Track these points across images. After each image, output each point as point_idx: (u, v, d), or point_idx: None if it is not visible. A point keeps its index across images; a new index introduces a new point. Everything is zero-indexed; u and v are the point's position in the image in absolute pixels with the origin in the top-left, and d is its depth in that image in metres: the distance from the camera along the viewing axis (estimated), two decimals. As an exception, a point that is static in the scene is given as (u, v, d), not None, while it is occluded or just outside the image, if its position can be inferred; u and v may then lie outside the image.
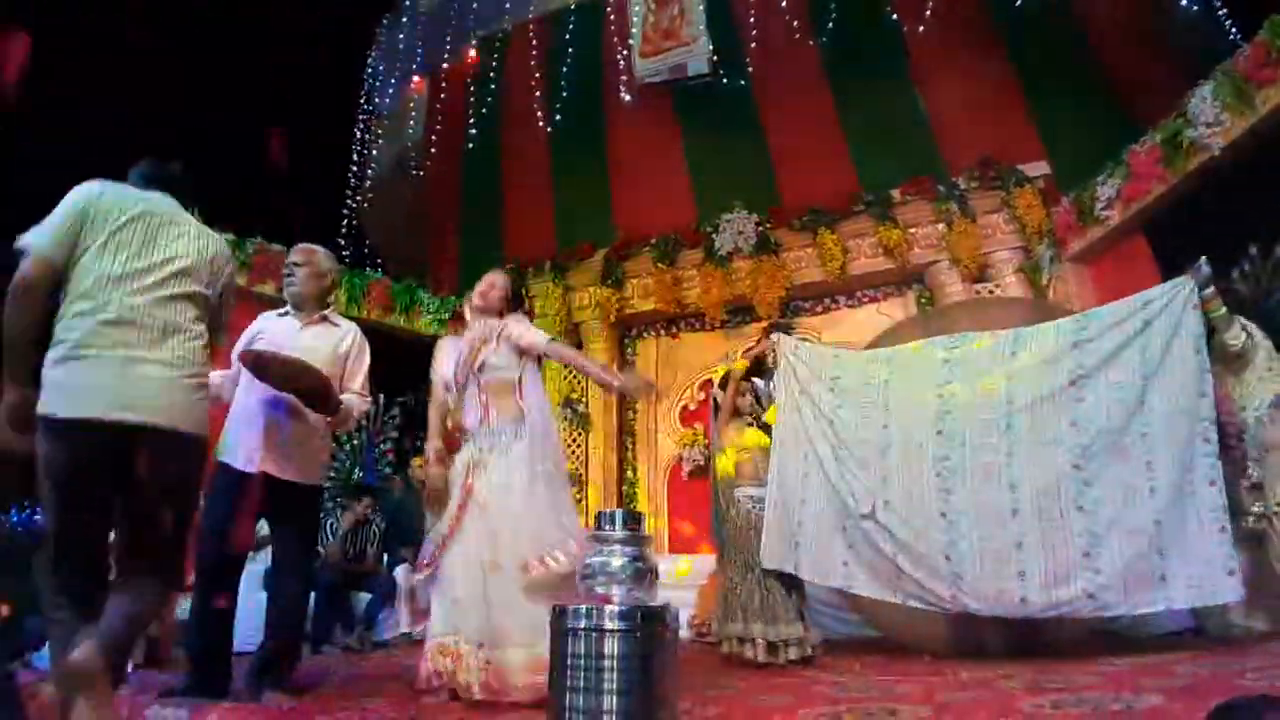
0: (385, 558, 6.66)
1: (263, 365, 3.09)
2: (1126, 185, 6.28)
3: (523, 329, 3.48)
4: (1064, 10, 8.35)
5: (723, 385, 5.16)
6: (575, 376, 8.67)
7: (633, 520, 1.63)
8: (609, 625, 1.50)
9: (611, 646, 1.49)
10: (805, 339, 6.30)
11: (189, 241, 2.58)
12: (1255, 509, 3.70)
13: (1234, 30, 9.20)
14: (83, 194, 2.46)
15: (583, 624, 1.51)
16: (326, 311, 3.56)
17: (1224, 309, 3.83)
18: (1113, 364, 3.85)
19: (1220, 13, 9.82)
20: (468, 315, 3.66)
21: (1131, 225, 6.43)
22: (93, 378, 2.24)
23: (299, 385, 3.15)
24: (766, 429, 4.98)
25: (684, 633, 5.99)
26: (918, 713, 2.60)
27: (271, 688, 3.12)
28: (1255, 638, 3.83)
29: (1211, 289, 3.79)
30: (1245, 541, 4.01)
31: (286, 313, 3.55)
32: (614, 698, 1.46)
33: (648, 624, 1.53)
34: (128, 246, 2.43)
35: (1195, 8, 9.39)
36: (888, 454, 4.26)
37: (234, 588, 3.27)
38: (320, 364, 3.27)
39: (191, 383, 2.45)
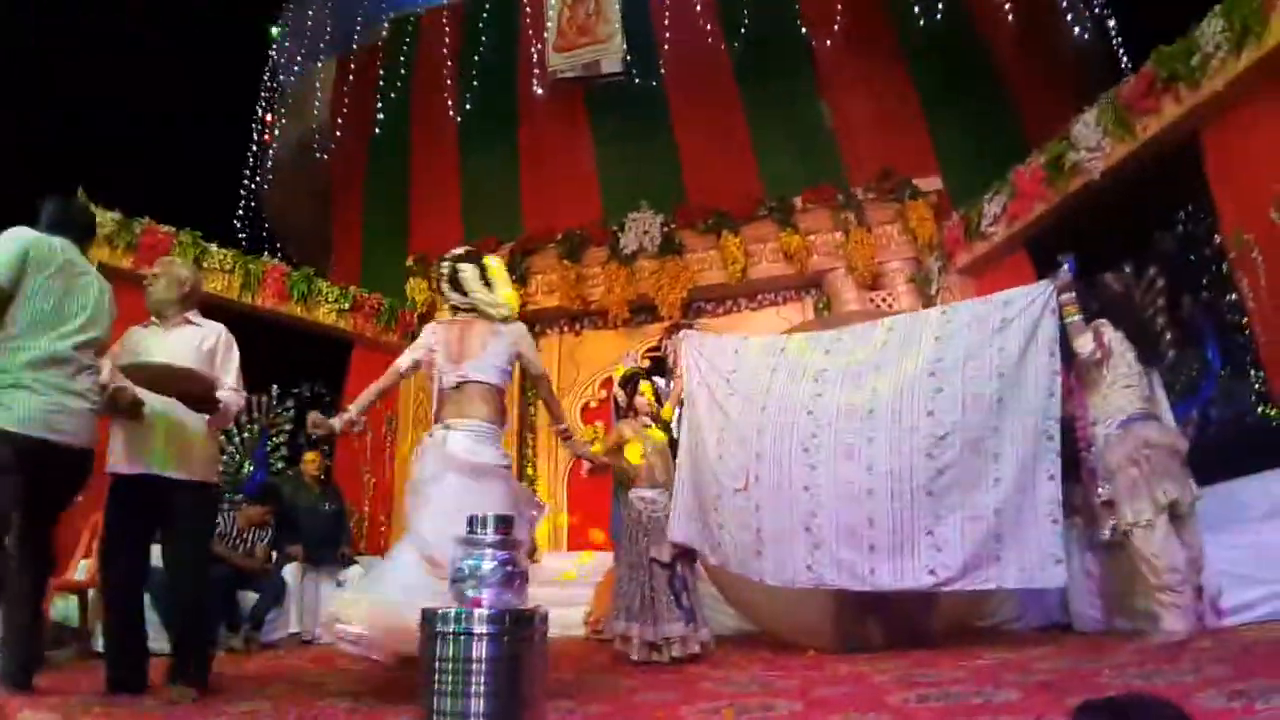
0: (274, 556, 6.43)
1: (138, 379, 3.24)
2: (1011, 203, 6.61)
3: (534, 354, 3.78)
4: (966, 32, 8.74)
5: (623, 384, 5.20)
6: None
7: (503, 524, 1.64)
8: (478, 629, 1.51)
9: (480, 649, 1.50)
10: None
11: (93, 294, 3.22)
12: (1110, 524, 3.90)
13: (1125, 60, 9.82)
14: (23, 238, 3.07)
15: (452, 627, 1.52)
16: (189, 314, 3.60)
17: (1077, 316, 3.97)
18: (971, 359, 4.06)
19: (1115, 41, 10.47)
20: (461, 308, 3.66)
21: (1015, 241, 6.76)
22: (32, 405, 2.95)
23: (179, 388, 3.27)
24: (665, 426, 5.07)
25: (578, 631, 6.03)
26: (792, 707, 2.69)
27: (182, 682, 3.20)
28: (1117, 637, 4.05)
29: (1071, 294, 3.98)
30: (1102, 548, 4.30)
31: (151, 322, 3.59)
32: (481, 700, 1.47)
33: (517, 627, 1.55)
34: (54, 293, 3.07)
35: (1087, 37, 9.99)
36: (763, 433, 4.43)
37: (137, 589, 3.41)
38: (187, 365, 3.33)
39: (94, 409, 3.14)
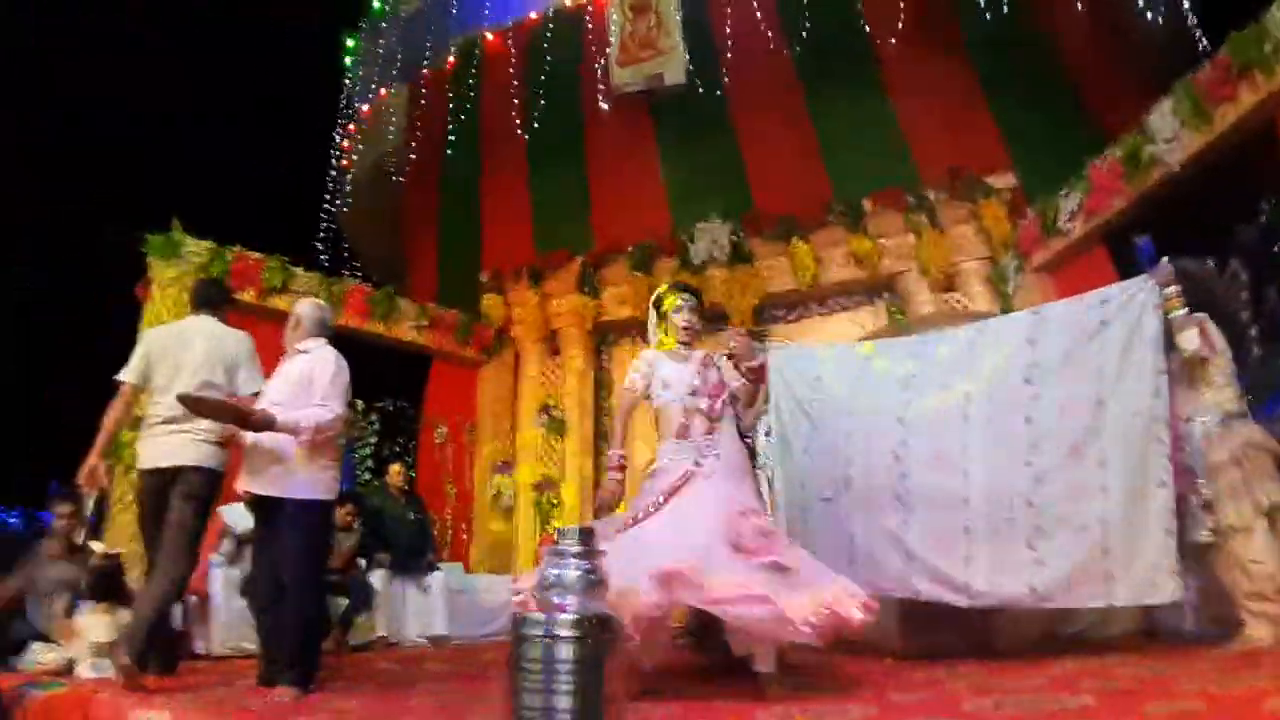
0: (363, 563, 6.71)
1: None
2: (1088, 198, 6.44)
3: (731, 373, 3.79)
4: (1032, 25, 8.56)
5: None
6: (550, 382, 8.81)
7: (587, 536, 1.75)
8: (563, 632, 1.61)
9: (564, 651, 1.60)
10: (782, 344, 6.39)
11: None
12: (1209, 525, 3.76)
13: (1204, 44, 9.46)
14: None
15: (539, 631, 1.63)
16: (305, 344, 3.85)
17: (1182, 311, 3.76)
18: (1069, 363, 3.90)
19: (1192, 26, 10.08)
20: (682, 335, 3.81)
21: (1093, 237, 6.59)
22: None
23: (220, 415, 3.63)
24: None
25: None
26: (867, 711, 2.73)
27: (284, 683, 3.41)
28: (1202, 644, 3.94)
29: (1174, 288, 3.74)
30: (1194, 554, 4.18)
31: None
32: (567, 698, 1.58)
33: (597, 630, 1.65)
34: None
35: (1160, 22, 9.65)
36: (852, 439, 4.40)
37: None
38: (293, 385, 3.66)
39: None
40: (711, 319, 8.34)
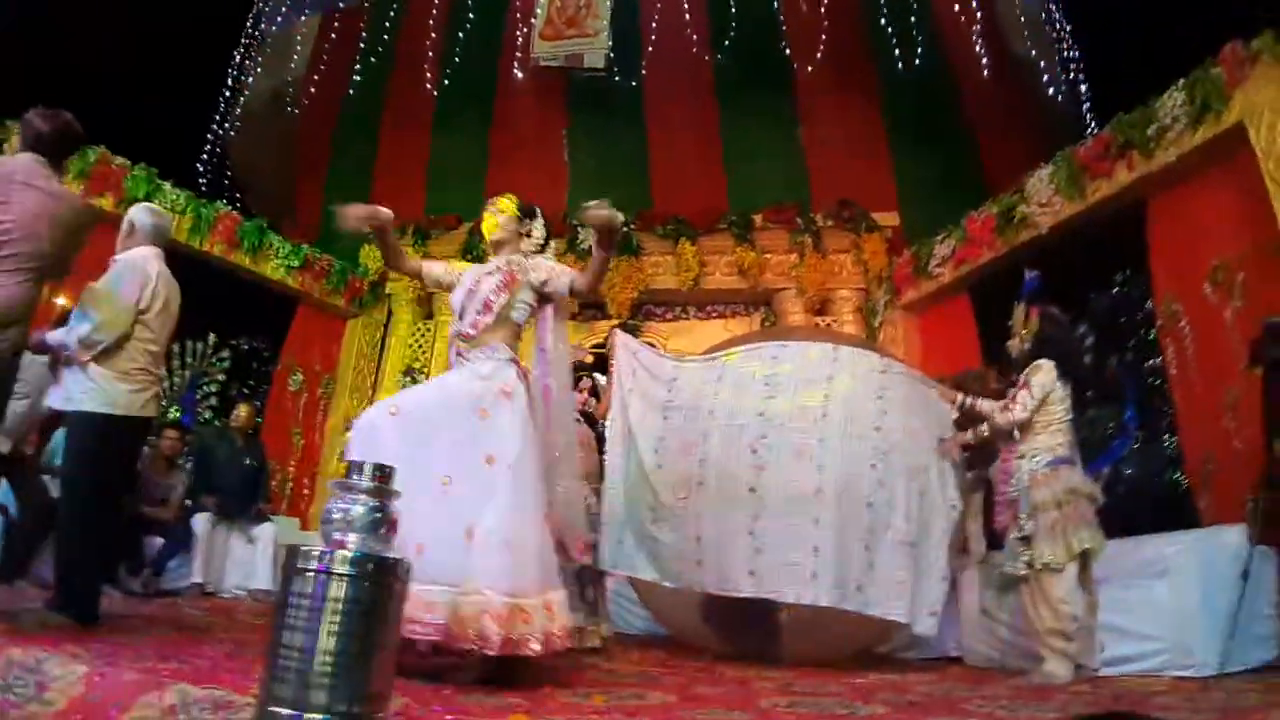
0: (188, 504, 6.33)
1: None
2: (961, 247, 6.79)
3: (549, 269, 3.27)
4: (942, 77, 8.95)
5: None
6: (420, 345, 8.58)
7: (382, 473, 1.66)
8: (339, 569, 1.53)
9: (336, 589, 1.52)
10: (650, 343, 6.44)
11: None
12: (1024, 558, 3.96)
13: (1092, 124, 10.13)
14: None
15: (314, 565, 1.54)
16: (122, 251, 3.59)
17: (978, 403, 4.19)
18: (909, 403, 4.34)
19: (1084, 104, 10.79)
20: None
21: (960, 284, 6.95)
22: None
23: None
24: (594, 423, 5.08)
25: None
26: (665, 699, 2.75)
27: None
28: (1005, 674, 4.15)
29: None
30: (996, 585, 4.43)
31: None
32: (334, 639, 1.49)
33: (378, 573, 1.57)
34: None
35: (1060, 98, 10.28)
36: (709, 438, 4.44)
37: None
38: None
39: None
40: (589, 305, 8.37)
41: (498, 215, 3.27)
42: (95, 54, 12.49)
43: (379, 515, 1.60)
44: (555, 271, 3.25)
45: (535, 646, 2.65)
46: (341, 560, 1.52)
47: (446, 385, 3.14)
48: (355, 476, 1.63)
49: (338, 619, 1.49)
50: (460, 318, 3.17)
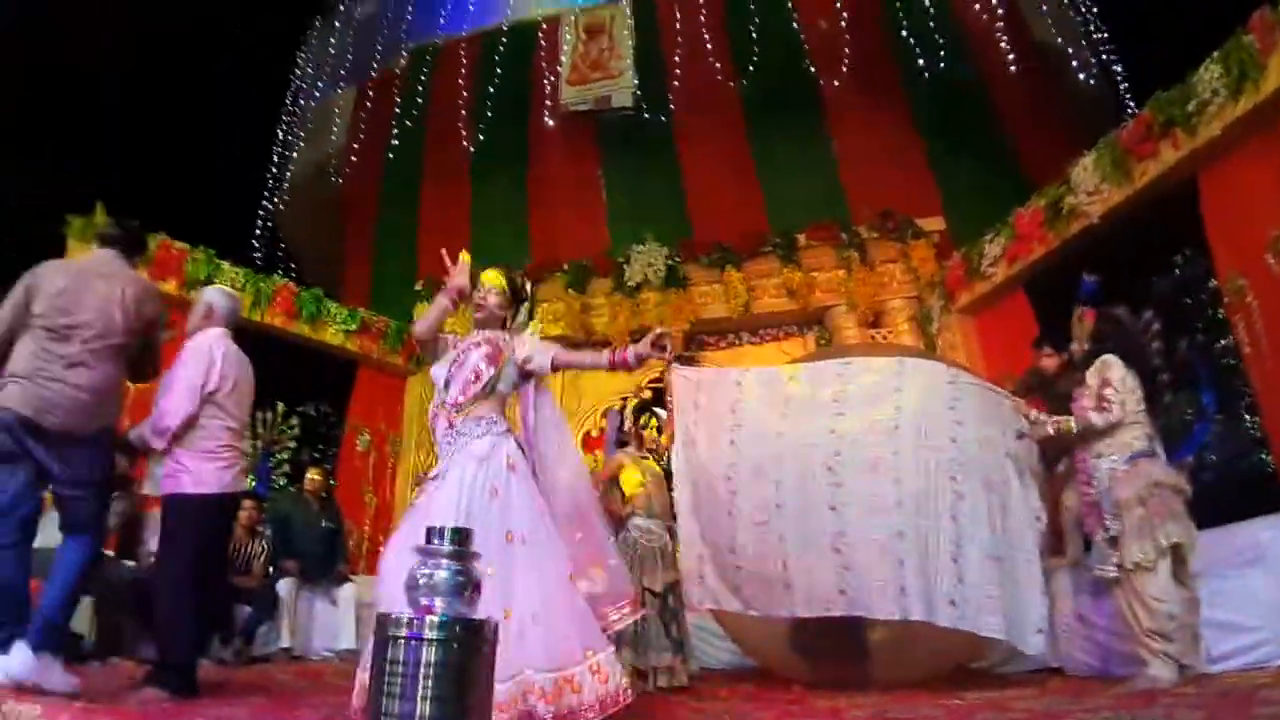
0: (271, 571, 6.50)
1: None
2: (1011, 245, 6.67)
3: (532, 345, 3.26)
4: (969, 76, 8.88)
5: (636, 414, 5.22)
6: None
7: (461, 537, 1.70)
8: (429, 634, 1.56)
9: (429, 654, 1.55)
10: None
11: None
12: (1114, 561, 3.85)
13: (1131, 104, 9.94)
14: None
15: (404, 632, 1.57)
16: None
17: (1037, 415, 4.15)
18: (983, 418, 4.17)
19: (1120, 86, 10.60)
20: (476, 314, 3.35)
21: (1014, 282, 6.82)
22: None
23: None
24: (662, 459, 5.08)
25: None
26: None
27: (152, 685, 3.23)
28: (1106, 681, 4.01)
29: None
30: (1090, 591, 4.30)
31: None
32: (428, 704, 1.52)
33: (466, 635, 1.59)
34: None
35: (1092, 82, 10.11)
36: (782, 459, 4.36)
37: None
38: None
39: None
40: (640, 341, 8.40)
41: (487, 296, 3.26)
42: (144, 140, 13.12)
43: (462, 578, 1.63)
44: (537, 349, 3.22)
45: (590, 716, 2.64)
46: (431, 625, 1.55)
47: (455, 487, 2.96)
48: (436, 541, 1.67)
49: (430, 683, 1.52)
50: (446, 388, 3.13)
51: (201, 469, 3.47)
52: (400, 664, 1.53)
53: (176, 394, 3.48)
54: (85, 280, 3.36)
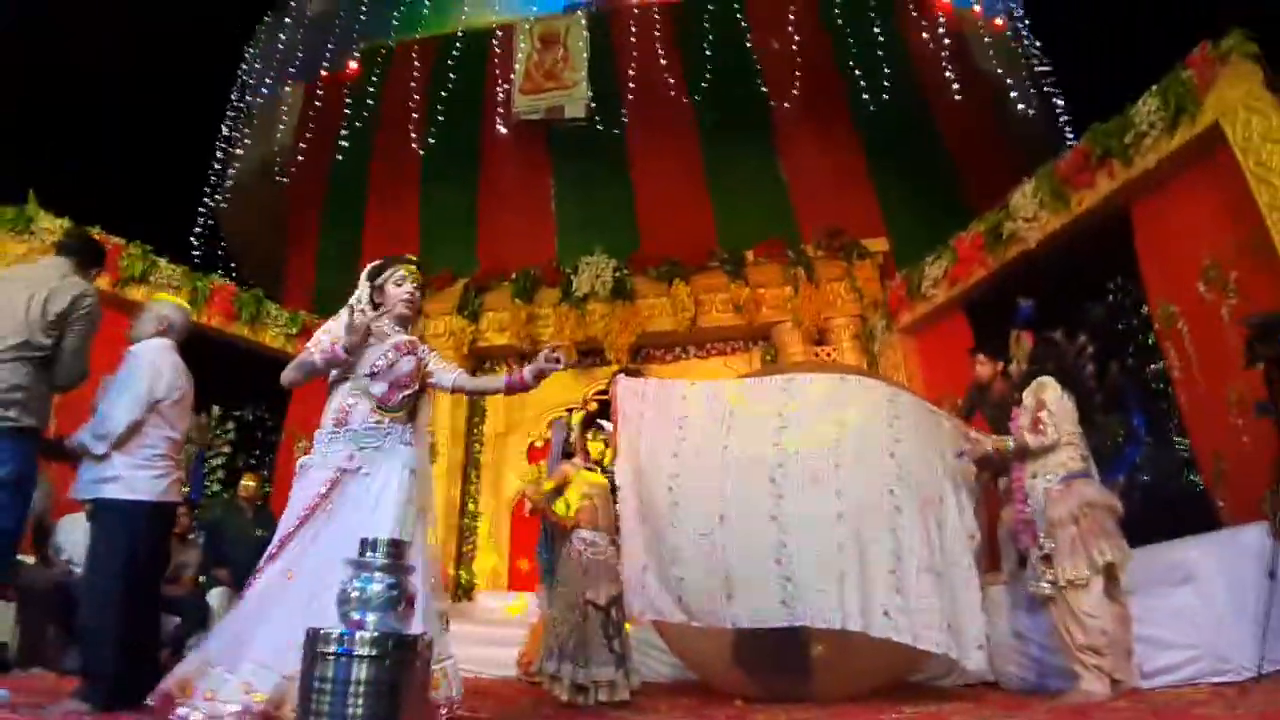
0: (201, 580, 6.28)
1: None
2: (952, 267, 6.81)
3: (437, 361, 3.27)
4: (916, 103, 9.09)
5: (583, 427, 5.17)
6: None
7: (394, 549, 1.65)
8: (359, 650, 1.51)
9: (360, 672, 1.50)
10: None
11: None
12: (1047, 578, 3.93)
13: (1071, 134, 10.26)
14: None
15: (333, 648, 1.52)
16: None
17: (1000, 442, 4.22)
18: (918, 429, 4.28)
19: (1061, 117, 10.93)
20: (371, 317, 3.23)
21: (955, 304, 6.96)
22: None
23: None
24: (607, 472, 5.05)
25: (511, 671, 5.93)
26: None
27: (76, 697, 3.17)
28: (1042, 695, 4.09)
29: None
30: (1025, 607, 4.39)
31: None
32: (358, 723, 1.48)
33: (398, 651, 1.55)
34: None
35: (1032, 113, 10.43)
36: (727, 471, 4.38)
37: None
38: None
39: None
40: (589, 352, 8.40)
41: (415, 294, 3.26)
42: (82, 131, 12.70)
43: (395, 592, 1.59)
44: (440, 366, 3.24)
45: None
46: (362, 641, 1.51)
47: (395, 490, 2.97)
48: (370, 554, 1.63)
49: (361, 701, 1.48)
50: (372, 377, 3.10)
51: (135, 475, 3.39)
52: (330, 681, 1.48)
53: (123, 400, 3.41)
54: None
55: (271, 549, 2.98)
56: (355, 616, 1.55)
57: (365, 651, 1.50)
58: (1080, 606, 3.74)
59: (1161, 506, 6.23)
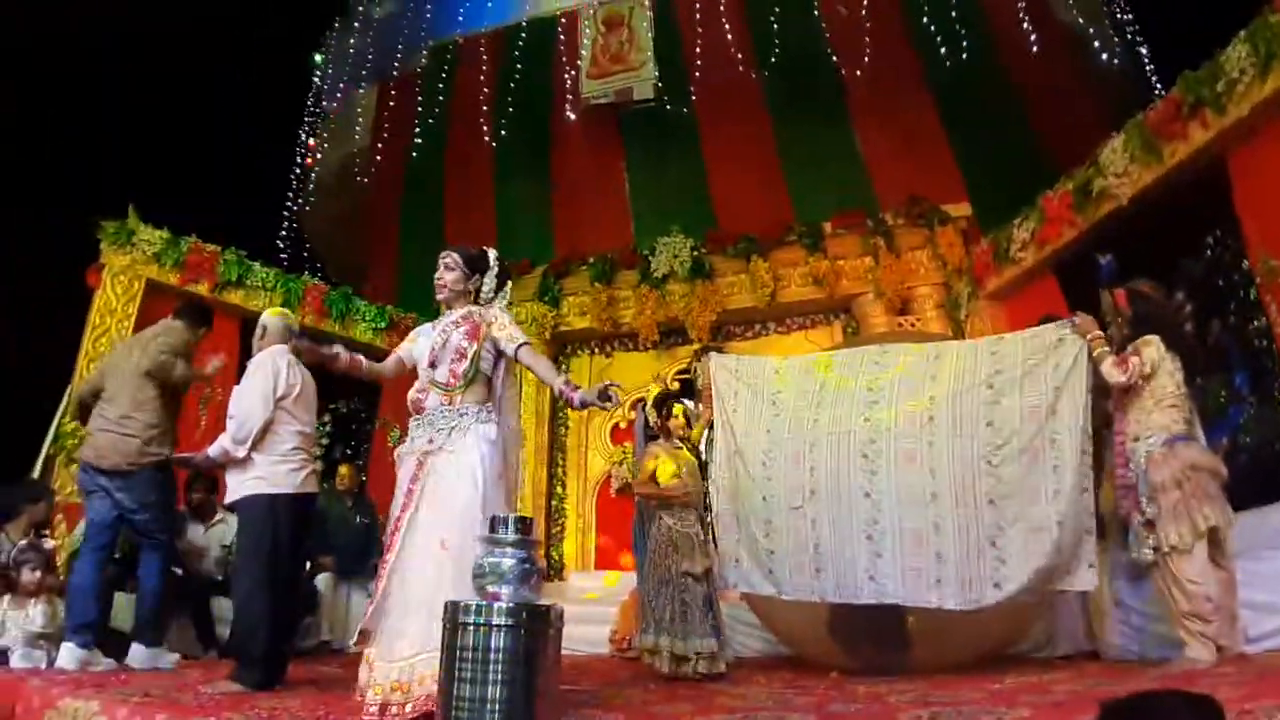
0: (308, 566, 6.60)
1: None
2: (1040, 229, 6.61)
3: (503, 325, 3.25)
4: (992, 62, 8.80)
5: (656, 406, 5.25)
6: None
7: (523, 526, 1.74)
8: (497, 621, 1.61)
9: (498, 640, 1.59)
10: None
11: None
12: (1149, 544, 3.83)
13: (1158, 84, 9.81)
14: None
15: (473, 619, 1.62)
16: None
17: (1107, 348, 3.98)
18: (1029, 374, 4.12)
19: (1146, 67, 10.45)
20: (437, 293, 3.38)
21: (1044, 266, 6.76)
22: None
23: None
24: (693, 448, 5.13)
25: (604, 649, 6.08)
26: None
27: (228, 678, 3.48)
28: (1145, 665, 4.00)
29: (1097, 332, 4.03)
30: (1127, 574, 4.29)
31: None
32: (499, 688, 1.57)
33: (533, 621, 1.64)
34: None
35: (1116, 63, 9.99)
36: (817, 446, 4.42)
37: None
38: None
39: None
40: (670, 332, 8.45)
41: (443, 274, 3.31)
42: (171, 145, 13.27)
43: (527, 566, 1.67)
44: (506, 331, 3.23)
45: None
46: (499, 612, 1.60)
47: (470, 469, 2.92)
48: (501, 530, 1.72)
49: (500, 668, 1.57)
50: (433, 367, 3.16)
51: (274, 471, 3.71)
52: (470, 650, 1.58)
53: (249, 402, 3.73)
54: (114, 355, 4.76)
55: (389, 537, 3.10)
56: (491, 589, 1.65)
57: (502, 621, 1.59)
58: (1184, 573, 3.64)
59: (1266, 468, 5.97)
